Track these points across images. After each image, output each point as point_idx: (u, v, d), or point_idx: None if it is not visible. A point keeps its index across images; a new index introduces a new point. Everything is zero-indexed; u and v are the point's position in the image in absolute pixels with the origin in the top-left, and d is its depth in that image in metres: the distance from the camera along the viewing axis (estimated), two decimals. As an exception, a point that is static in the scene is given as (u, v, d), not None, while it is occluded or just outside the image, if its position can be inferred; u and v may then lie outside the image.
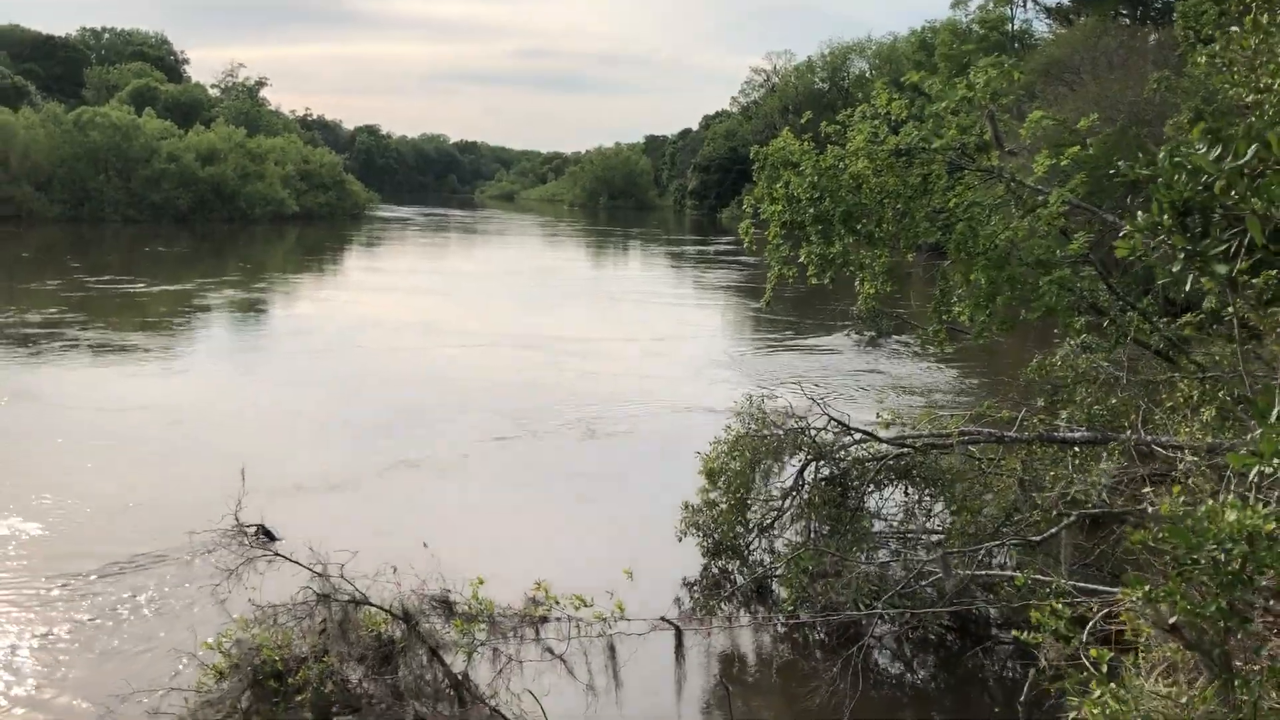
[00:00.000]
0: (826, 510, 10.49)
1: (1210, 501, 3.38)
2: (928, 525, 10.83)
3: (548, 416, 18.25)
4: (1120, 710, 3.75)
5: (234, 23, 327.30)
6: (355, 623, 6.07)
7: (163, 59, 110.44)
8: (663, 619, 7.56)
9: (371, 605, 6.25)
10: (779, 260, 12.11)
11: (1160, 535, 3.34)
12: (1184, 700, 3.76)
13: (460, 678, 6.21)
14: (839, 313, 29.64)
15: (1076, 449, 10.13)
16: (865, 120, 11.76)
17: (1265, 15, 6.66)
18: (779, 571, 10.22)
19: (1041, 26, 63.08)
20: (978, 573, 9.35)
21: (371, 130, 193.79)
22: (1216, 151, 3.52)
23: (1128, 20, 47.32)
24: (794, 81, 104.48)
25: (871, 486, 10.79)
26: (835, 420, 10.85)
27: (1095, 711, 3.82)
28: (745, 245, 12.67)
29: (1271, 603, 4.13)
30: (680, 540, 10.76)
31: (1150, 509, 6.71)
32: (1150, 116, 26.93)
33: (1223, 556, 3.21)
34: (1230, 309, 11.00)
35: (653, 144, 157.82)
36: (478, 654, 6.62)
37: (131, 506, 12.81)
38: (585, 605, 6.88)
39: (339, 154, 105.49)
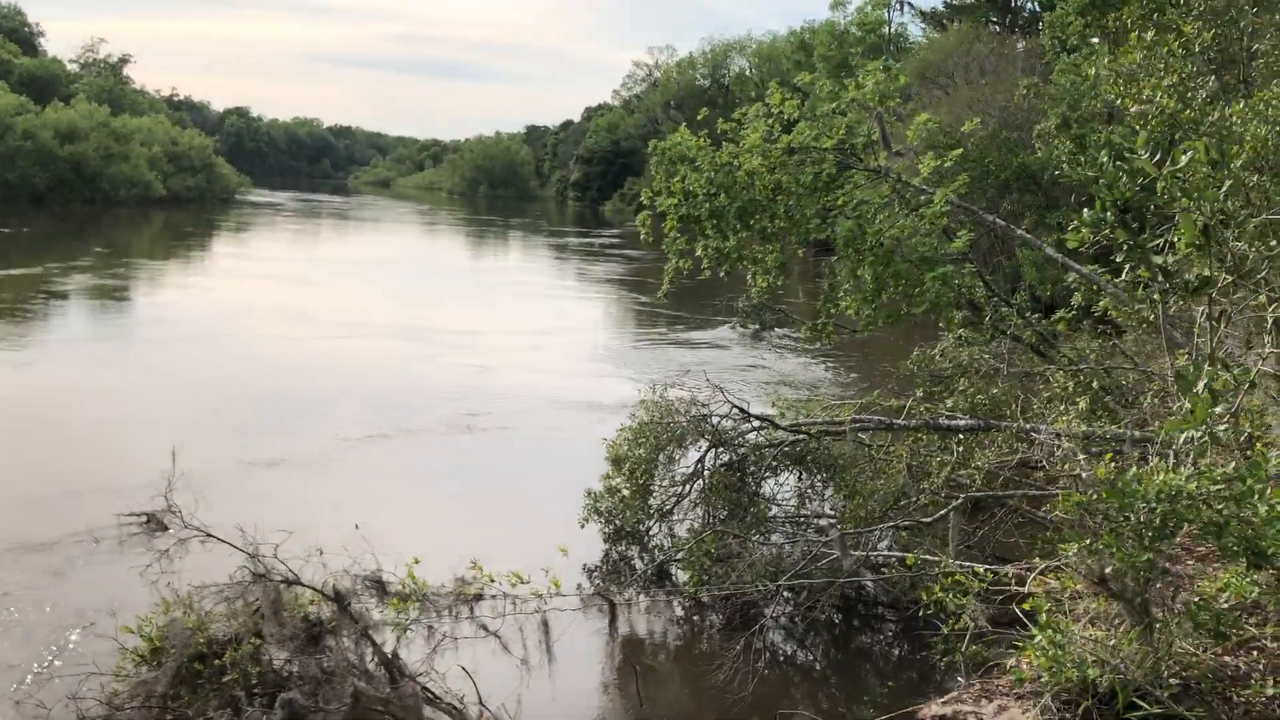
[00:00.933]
0: (725, 495, 10.82)
1: (1135, 468, 3.79)
2: (821, 509, 11.28)
3: (424, 411, 17.85)
4: (1059, 655, 4.15)
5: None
6: (285, 603, 6.09)
7: (16, 30, 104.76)
8: (598, 594, 7.76)
9: (303, 586, 6.28)
10: (675, 253, 12.40)
11: (1094, 496, 3.73)
12: (1111, 644, 4.19)
13: (390, 656, 6.29)
14: (723, 307, 30.04)
15: (961, 436, 10.70)
16: (760, 119, 12.15)
17: (1150, 33, 7.23)
18: (680, 555, 10.49)
19: (916, 31, 65.02)
20: (871, 553, 9.82)
21: (242, 112, 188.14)
22: (1156, 157, 3.93)
23: (998, 28, 49.25)
24: (676, 77, 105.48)
25: (768, 472, 11.18)
26: (736, 407, 11.19)
27: (1037, 655, 4.22)
28: (642, 237, 12.91)
29: (1173, 565, 4.60)
30: (583, 527, 10.91)
31: (1029, 492, 7.22)
32: (1020, 121, 28.17)
33: (1145, 515, 3.60)
34: (1097, 308, 11.73)
35: (534, 134, 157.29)
36: (413, 633, 6.70)
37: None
38: (522, 582, 7.04)
39: (208, 136, 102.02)
